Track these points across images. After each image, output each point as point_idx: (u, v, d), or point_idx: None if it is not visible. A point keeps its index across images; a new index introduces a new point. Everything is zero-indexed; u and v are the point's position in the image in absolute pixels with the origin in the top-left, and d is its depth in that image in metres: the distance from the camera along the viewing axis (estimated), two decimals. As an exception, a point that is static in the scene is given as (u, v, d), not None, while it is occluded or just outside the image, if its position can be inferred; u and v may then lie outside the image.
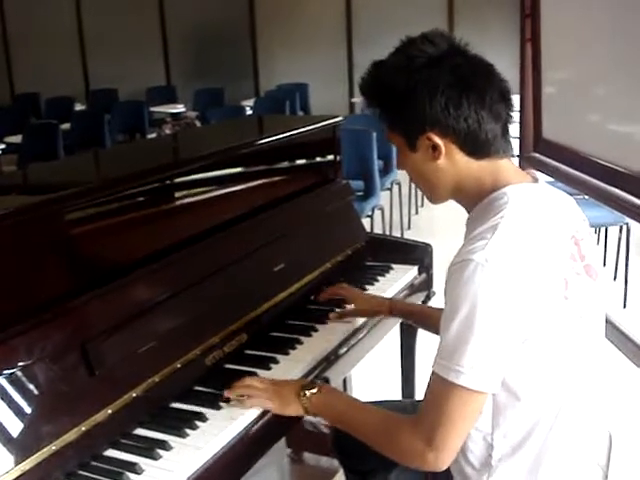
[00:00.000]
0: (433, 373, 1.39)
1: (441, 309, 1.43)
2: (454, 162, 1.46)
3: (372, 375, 3.29)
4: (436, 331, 1.48)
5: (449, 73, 1.41)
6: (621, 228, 4.59)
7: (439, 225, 6.04)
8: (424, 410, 1.41)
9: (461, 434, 1.39)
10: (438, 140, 1.44)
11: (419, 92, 1.41)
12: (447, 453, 1.38)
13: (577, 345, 1.45)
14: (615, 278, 4.80)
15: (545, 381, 1.41)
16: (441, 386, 1.36)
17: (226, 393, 1.69)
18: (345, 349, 2.06)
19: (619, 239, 4.68)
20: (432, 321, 1.90)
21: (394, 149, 1.58)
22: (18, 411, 1.44)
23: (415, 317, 2.16)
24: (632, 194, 2.28)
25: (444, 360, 1.35)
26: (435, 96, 1.41)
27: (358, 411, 1.59)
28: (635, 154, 2.31)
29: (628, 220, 4.34)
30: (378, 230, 5.27)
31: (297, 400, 1.62)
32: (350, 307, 2.19)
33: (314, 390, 1.62)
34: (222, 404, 1.68)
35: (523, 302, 1.33)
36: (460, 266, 1.35)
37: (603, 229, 4.93)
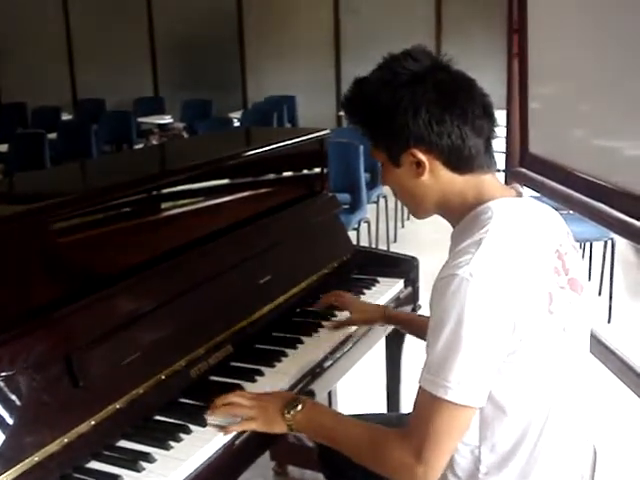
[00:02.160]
0: (420, 388, 1.38)
1: None
2: (438, 178, 1.47)
3: (357, 388, 3.28)
4: None
5: (432, 89, 1.42)
6: (606, 243, 4.62)
7: (425, 238, 6.03)
8: (412, 425, 1.40)
9: (450, 448, 1.39)
10: (422, 156, 1.44)
11: (403, 108, 1.42)
12: (436, 468, 1.38)
13: (561, 359, 1.45)
14: (600, 293, 4.82)
15: (531, 395, 1.42)
16: (429, 401, 1.35)
17: (209, 415, 1.65)
18: (330, 362, 2.05)
19: (604, 254, 4.70)
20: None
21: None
22: (0, 422, 1.43)
23: (411, 326, 2.16)
24: (617, 209, 2.29)
25: (431, 375, 1.35)
26: (419, 112, 1.41)
27: (344, 426, 1.56)
28: (620, 169, 2.32)
29: (613, 235, 4.36)
30: (364, 243, 5.27)
31: (281, 419, 1.60)
32: (344, 316, 2.17)
33: (298, 408, 1.59)
34: (206, 417, 1.67)
35: (508, 316, 1.33)
36: (445, 281, 1.35)
37: (588, 244, 4.96)
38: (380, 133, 1.49)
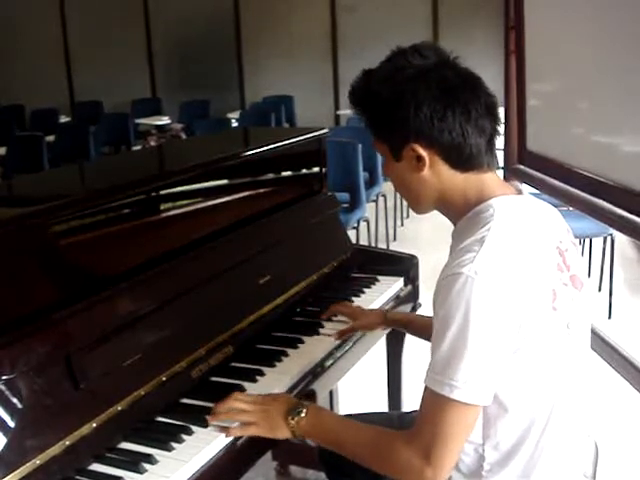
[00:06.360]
0: (426, 388, 1.37)
1: None
2: (438, 174, 1.47)
3: (358, 387, 3.28)
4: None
5: (435, 86, 1.41)
6: (605, 239, 4.62)
7: (424, 237, 6.05)
8: (419, 425, 1.39)
9: (458, 448, 1.38)
10: (422, 151, 1.44)
11: (404, 103, 1.42)
12: (445, 468, 1.37)
13: (564, 356, 1.45)
14: (600, 289, 4.82)
15: (534, 392, 1.42)
16: (435, 401, 1.35)
17: (211, 421, 1.64)
18: (331, 361, 2.05)
19: (603, 250, 4.70)
20: (430, 331, 1.89)
21: (379, 161, 1.59)
22: (1, 425, 1.43)
23: (411, 326, 2.16)
24: (616, 205, 2.28)
25: (437, 375, 1.34)
26: (420, 108, 1.41)
27: (348, 430, 1.55)
28: (619, 165, 2.32)
29: (612, 231, 4.36)
30: (364, 242, 5.27)
31: (285, 424, 1.58)
32: (343, 323, 2.19)
33: (302, 414, 1.57)
34: (208, 417, 1.66)
35: (514, 314, 1.33)
36: (450, 280, 1.34)
37: (588, 240, 4.96)
38: (382, 126, 1.50)
